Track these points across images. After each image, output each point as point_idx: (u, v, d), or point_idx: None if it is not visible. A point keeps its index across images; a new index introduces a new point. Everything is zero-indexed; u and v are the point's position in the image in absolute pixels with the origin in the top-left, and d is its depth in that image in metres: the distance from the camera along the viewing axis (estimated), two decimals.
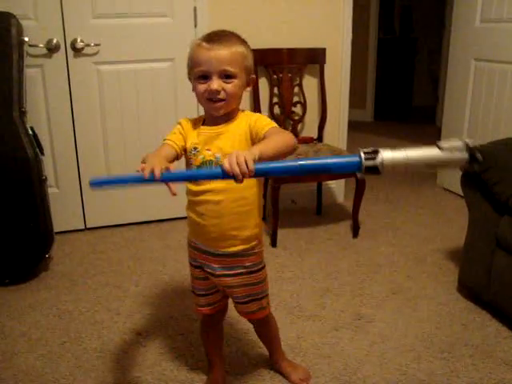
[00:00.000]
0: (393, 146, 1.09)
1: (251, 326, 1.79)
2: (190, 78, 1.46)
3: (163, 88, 3.04)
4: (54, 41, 2.78)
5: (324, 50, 3.20)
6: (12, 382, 1.80)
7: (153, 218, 3.21)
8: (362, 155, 1.07)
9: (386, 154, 1.07)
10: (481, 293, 2.21)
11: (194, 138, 1.46)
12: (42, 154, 2.56)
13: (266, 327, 1.76)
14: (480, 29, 3.36)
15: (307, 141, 3.16)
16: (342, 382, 1.79)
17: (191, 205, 1.50)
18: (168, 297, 2.36)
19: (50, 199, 2.60)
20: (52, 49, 2.78)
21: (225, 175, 1.10)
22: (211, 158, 1.41)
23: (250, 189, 1.46)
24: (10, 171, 2.45)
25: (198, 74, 1.38)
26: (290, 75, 3.16)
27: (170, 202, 3.27)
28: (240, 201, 1.46)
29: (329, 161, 1.13)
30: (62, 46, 2.81)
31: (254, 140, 1.40)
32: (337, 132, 3.42)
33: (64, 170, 3.00)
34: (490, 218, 2.12)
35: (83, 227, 3.12)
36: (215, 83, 1.36)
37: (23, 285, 2.47)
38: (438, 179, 3.94)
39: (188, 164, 1.47)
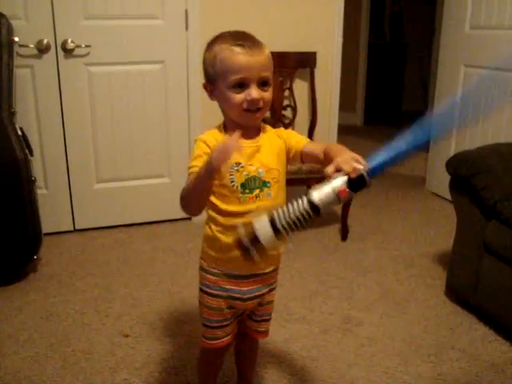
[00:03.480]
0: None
1: None
2: (206, 87, 1.34)
3: (154, 90, 3.03)
4: (45, 41, 2.77)
5: (315, 53, 3.23)
6: None
7: (142, 221, 3.20)
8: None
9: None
10: (468, 296, 2.23)
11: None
12: (32, 154, 2.55)
13: (257, 349, 1.72)
14: (469, 35, 3.39)
15: None
16: None
17: (226, 229, 1.33)
18: (156, 299, 2.36)
19: (38, 200, 2.58)
20: (42, 49, 2.77)
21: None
22: (255, 174, 1.32)
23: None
24: None
25: (235, 82, 1.25)
26: (280, 79, 3.17)
27: (159, 204, 3.29)
28: None
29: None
30: (53, 47, 2.80)
31: (289, 156, 1.38)
32: (327, 135, 3.43)
33: (53, 172, 2.98)
34: (478, 223, 2.14)
35: (72, 229, 3.10)
36: (255, 92, 1.26)
37: (11, 286, 2.45)
38: (427, 184, 3.97)
39: (221, 182, 1.30)
